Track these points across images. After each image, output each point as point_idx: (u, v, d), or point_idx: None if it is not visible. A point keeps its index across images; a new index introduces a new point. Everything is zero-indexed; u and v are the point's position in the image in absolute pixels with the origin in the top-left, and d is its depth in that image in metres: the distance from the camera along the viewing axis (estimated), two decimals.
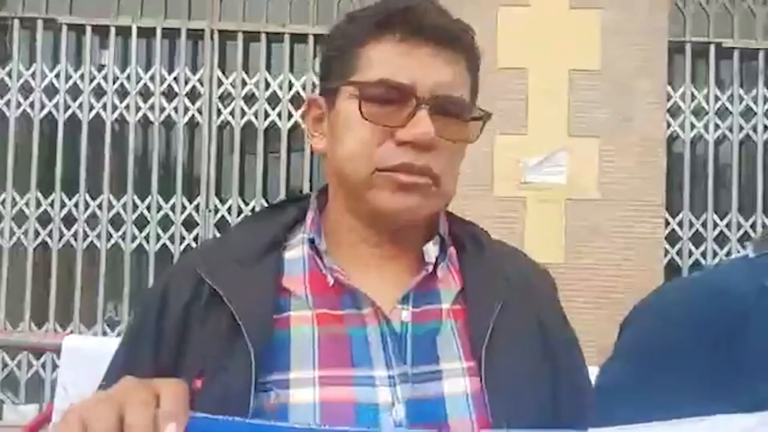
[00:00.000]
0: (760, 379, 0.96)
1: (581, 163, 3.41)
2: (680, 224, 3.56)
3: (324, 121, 0.90)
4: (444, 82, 0.84)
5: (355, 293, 0.84)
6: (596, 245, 3.39)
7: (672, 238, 3.53)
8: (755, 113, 3.62)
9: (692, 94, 3.60)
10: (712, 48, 3.61)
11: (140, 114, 3.65)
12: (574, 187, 3.40)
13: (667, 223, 3.53)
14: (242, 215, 3.61)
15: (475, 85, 0.91)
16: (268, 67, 3.70)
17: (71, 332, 3.57)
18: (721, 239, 3.61)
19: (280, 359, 0.80)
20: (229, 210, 3.64)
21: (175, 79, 3.65)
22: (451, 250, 0.91)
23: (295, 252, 0.88)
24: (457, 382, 0.82)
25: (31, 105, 3.65)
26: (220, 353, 0.79)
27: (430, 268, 0.87)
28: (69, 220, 3.64)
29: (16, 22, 3.67)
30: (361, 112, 0.83)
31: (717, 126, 3.61)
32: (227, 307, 0.80)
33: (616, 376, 1.07)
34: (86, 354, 1.99)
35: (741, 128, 3.61)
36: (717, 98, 3.61)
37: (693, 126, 3.60)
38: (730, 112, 3.62)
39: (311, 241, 0.87)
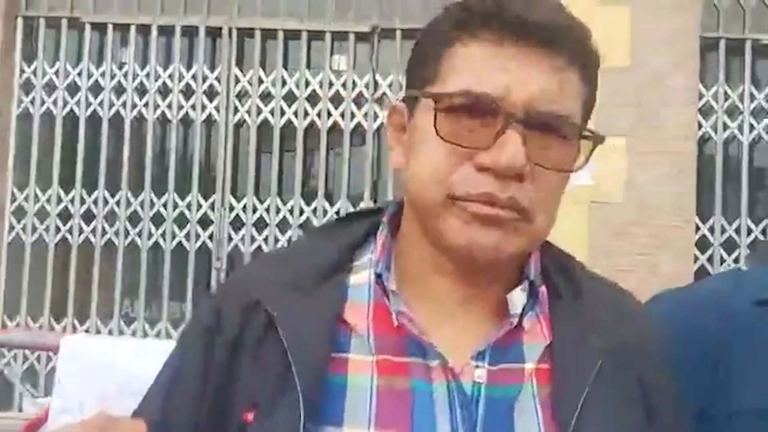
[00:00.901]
0: (737, 392, 0.88)
1: (607, 164, 2.74)
2: (711, 230, 2.88)
3: (404, 134, 0.66)
4: (546, 94, 0.59)
5: (422, 342, 0.62)
6: (622, 250, 2.72)
7: (703, 245, 2.85)
8: None
9: (726, 93, 2.91)
10: (748, 44, 2.92)
11: (158, 112, 3.16)
12: (599, 189, 2.74)
13: (698, 229, 2.85)
14: (257, 213, 3.06)
15: (590, 99, 0.64)
16: (285, 65, 3.14)
17: (87, 328, 3.08)
18: (755, 246, 2.89)
19: (334, 410, 0.60)
20: (244, 208, 3.10)
21: (193, 76, 3.14)
22: (542, 292, 0.66)
23: (362, 276, 0.66)
24: None
25: (54, 102, 3.18)
26: (273, 391, 0.60)
27: (515, 321, 0.63)
28: (88, 217, 3.16)
29: (42, 21, 3.18)
30: (435, 129, 0.60)
31: (752, 126, 2.91)
32: (281, 339, 0.61)
33: None
34: (84, 354, 1.75)
35: None
36: (753, 97, 2.91)
37: (726, 126, 2.91)
38: (767, 112, 2.90)
39: (378, 276, 0.64)
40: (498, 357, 0.62)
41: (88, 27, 3.18)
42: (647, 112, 2.77)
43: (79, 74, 3.16)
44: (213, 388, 0.63)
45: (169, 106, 3.14)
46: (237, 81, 3.10)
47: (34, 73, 3.18)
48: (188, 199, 3.12)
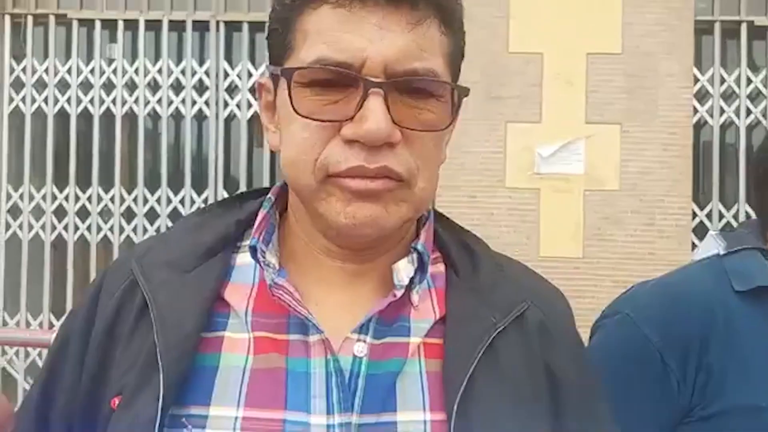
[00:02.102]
0: (724, 387, 0.86)
1: (600, 151, 2.62)
2: (709, 216, 2.75)
3: (275, 113, 0.61)
4: (405, 53, 0.55)
5: (300, 316, 0.57)
6: (617, 239, 2.61)
7: (700, 231, 2.72)
8: None
9: (722, 77, 2.76)
10: (744, 27, 2.76)
11: (149, 107, 3.03)
12: (593, 177, 2.62)
13: (695, 215, 2.72)
14: None
15: (455, 48, 0.60)
16: None
17: None
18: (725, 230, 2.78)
19: (201, 390, 0.56)
20: None
21: (182, 71, 3.01)
22: (438, 269, 0.63)
23: (248, 256, 0.60)
24: None
25: (45, 100, 3.06)
26: (141, 374, 0.56)
27: (399, 292, 0.59)
28: (83, 214, 3.06)
29: (30, 18, 3.06)
30: (292, 106, 0.55)
31: (749, 110, 2.77)
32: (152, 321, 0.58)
33: None
34: None
35: None
36: (749, 81, 2.76)
37: (722, 111, 2.76)
38: (764, 96, 2.76)
39: (253, 249, 0.59)
40: (382, 331, 0.58)
41: (75, 23, 3.05)
42: (640, 99, 2.64)
43: (69, 71, 3.04)
44: (87, 375, 0.60)
45: (159, 102, 3.02)
46: (226, 75, 2.99)
47: (24, 70, 3.07)
48: (182, 194, 3.02)
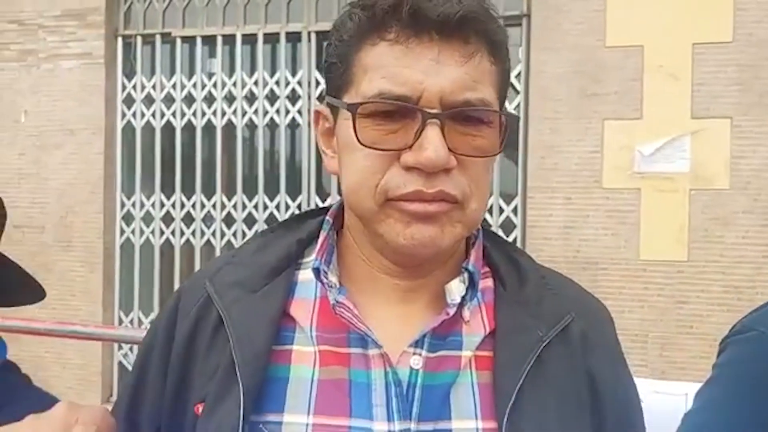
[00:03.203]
0: None
1: (708, 148, 2.44)
2: None
3: (333, 138, 0.64)
4: (459, 84, 0.58)
5: (360, 332, 0.61)
6: (727, 241, 2.42)
7: None
8: None
9: None
10: None
11: (246, 118, 3.16)
12: (700, 175, 2.45)
13: None
14: None
15: (502, 77, 0.62)
16: None
17: None
18: None
19: (276, 399, 0.61)
20: None
21: (276, 82, 3.10)
22: (486, 284, 0.66)
23: (309, 272, 0.64)
24: None
25: (153, 114, 3.27)
26: (220, 385, 0.61)
27: (452, 311, 0.62)
28: (188, 220, 3.24)
29: (139, 38, 3.28)
30: (356, 138, 0.58)
31: None
32: (228, 336, 0.62)
33: (717, 396, 0.90)
34: None
35: None
36: None
37: None
38: None
39: (316, 271, 0.63)
40: (437, 345, 0.61)
41: (178, 41, 3.23)
42: (754, 90, 2.43)
43: (174, 86, 3.23)
44: (171, 384, 0.65)
45: (256, 112, 3.14)
46: (317, 84, 3.05)
47: (134, 88, 3.29)
48: (277, 199, 3.13)
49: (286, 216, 3.10)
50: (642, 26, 2.54)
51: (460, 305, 0.63)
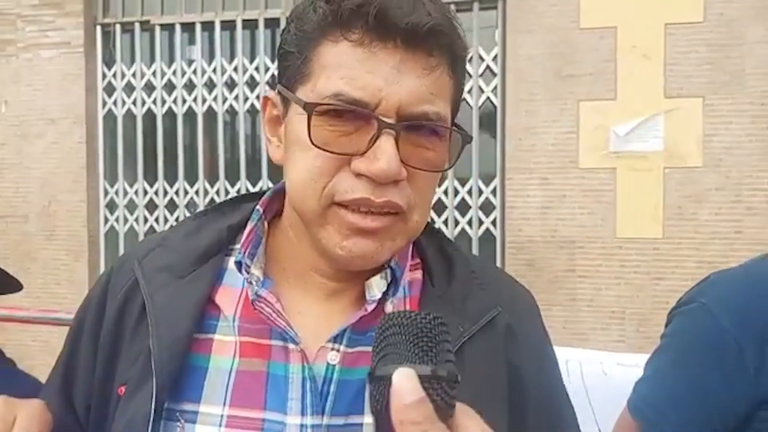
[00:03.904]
0: None
1: (681, 127, 2.48)
2: None
3: (281, 126, 0.62)
4: (418, 96, 0.57)
5: (278, 326, 0.60)
6: (700, 218, 2.47)
7: None
8: None
9: None
10: None
11: (227, 104, 3.16)
12: (674, 154, 2.49)
13: None
14: None
15: (457, 92, 0.62)
16: None
17: None
18: None
19: (193, 388, 0.61)
20: None
21: (256, 68, 3.10)
22: (415, 276, 0.66)
23: (237, 267, 0.63)
24: None
25: (134, 102, 3.26)
26: (141, 371, 0.61)
27: (371, 307, 0.61)
28: (171, 206, 3.24)
29: (118, 26, 3.26)
30: (310, 137, 0.56)
31: None
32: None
33: (664, 365, 0.95)
34: None
35: None
36: None
37: None
38: None
39: (238, 265, 0.62)
40: (355, 340, 0.61)
41: (158, 28, 3.22)
42: (725, 69, 2.47)
43: (154, 74, 3.22)
44: (100, 362, 0.65)
45: (236, 98, 3.14)
46: None
47: (114, 76, 3.27)
48: (259, 184, 3.14)
49: None
50: (615, 8, 2.56)
51: (383, 300, 0.62)
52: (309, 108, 0.57)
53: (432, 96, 0.57)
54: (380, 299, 0.62)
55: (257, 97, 3.11)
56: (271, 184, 3.12)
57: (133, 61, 3.26)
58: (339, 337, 0.61)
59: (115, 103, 3.28)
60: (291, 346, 0.60)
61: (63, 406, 0.68)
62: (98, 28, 3.27)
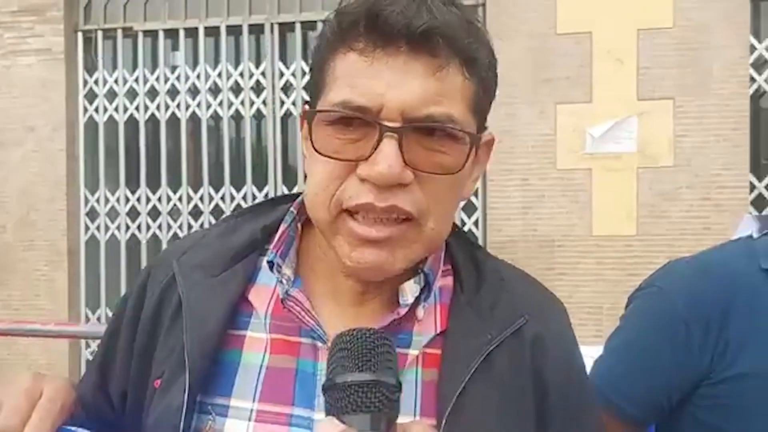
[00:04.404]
0: (742, 354, 0.98)
1: (653, 128, 2.77)
2: None
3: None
4: (423, 98, 0.59)
5: (306, 324, 0.66)
6: (672, 215, 2.75)
7: (759, 204, 2.82)
8: None
9: None
10: None
11: (211, 110, 3.39)
12: (646, 154, 2.78)
13: (753, 188, 2.82)
14: None
15: (479, 93, 0.63)
16: None
17: None
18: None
19: (225, 382, 0.66)
20: None
21: (240, 74, 3.34)
22: (445, 282, 0.70)
23: (269, 266, 0.70)
24: None
25: (116, 109, 3.47)
26: (175, 365, 0.67)
27: (403, 311, 0.66)
28: (154, 214, 3.45)
29: (99, 33, 3.49)
30: (312, 145, 0.62)
31: None
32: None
33: (620, 343, 1.06)
34: None
35: None
36: None
37: None
38: None
39: (270, 264, 0.67)
40: None
41: (140, 35, 3.45)
42: (694, 72, 2.77)
43: (136, 80, 3.44)
44: (137, 356, 0.71)
45: (220, 104, 3.37)
46: (281, 75, 3.30)
47: (96, 82, 3.49)
48: (244, 190, 3.36)
49: None
50: (590, 14, 2.85)
51: (415, 304, 0.66)
52: (308, 116, 0.62)
53: (439, 98, 0.59)
54: (412, 304, 0.66)
55: (241, 103, 3.35)
56: (255, 190, 3.35)
57: (115, 67, 3.48)
58: None
59: (96, 110, 3.49)
60: (319, 344, 0.65)
61: (99, 390, 0.75)
62: (79, 34, 3.49)
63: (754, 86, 2.83)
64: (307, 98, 0.67)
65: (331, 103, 0.61)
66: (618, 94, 2.80)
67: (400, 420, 0.57)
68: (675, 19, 2.77)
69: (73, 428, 0.64)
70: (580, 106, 2.84)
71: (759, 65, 2.85)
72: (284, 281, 0.67)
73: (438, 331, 0.66)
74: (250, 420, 0.64)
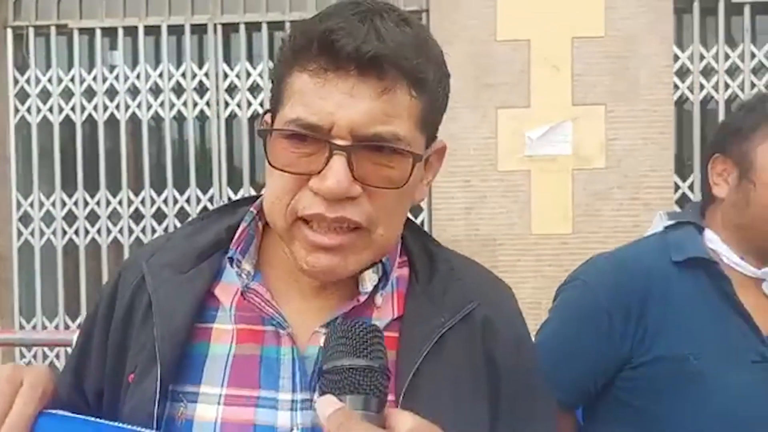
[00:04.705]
0: (657, 339, 1.11)
1: (587, 132, 3.05)
2: (691, 187, 3.18)
3: None
4: (370, 117, 0.67)
5: (269, 314, 0.74)
6: (604, 214, 3.05)
7: (683, 202, 3.15)
8: None
9: (701, 54, 3.18)
10: (722, 3, 3.17)
11: (152, 111, 3.45)
12: (580, 156, 3.06)
13: (678, 187, 3.15)
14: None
15: (429, 107, 0.71)
16: (271, 56, 3.43)
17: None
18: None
19: (195, 372, 0.74)
20: None
21: (182, 74, 3.43)
22: (402, 272, 0.79)
23: (230, 262, 0.78)
24: None
25: (50, 109, 3.49)
26: (148, 358, 0.74)
27: (363, 298, 0.75)
28: (92, 218, 3.48)
29: (31, 30, 3.49)
30: (267, 159, 0.70)
31: (727, 85, 3.19)
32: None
33: (549, 333, 1.18)
34: None
35: (753, 86, 3.18)
36: (727, 56, 3.18)
37: (702, 87, 3.19)
38: (741, 70, 3.19)
39: (230, 259, 0.76)
40: None
41: (76, 33, 3.47)
42: (624, 79, 3.06)
43: (72, 80, 3.45)
44: (111, 354, 0.78)
45: (162, 105, 3.43)
46: (225, 76, 3.41)
47: (28, 81, 3.49)
48: (187, 193, 3.44)
49: (197, 210, 3.44)
50: (528, 22, 3.11)
51: (373, 292, 0.75)
52: (262, 134, 0.70)
53: (387, 117, 0.66)
54: (371, 292, 0.74)
55: (184, 104, 3.44)
56: (199, 193, 3.45)
57: (48, 66, 3.49)
58: (331, 323, 0.73)
59: (29, 110, 3.49)
60: (281, 331, 0.73)
61: (74, 390, 0.82)
62: (8, 30, 3.48)
63: (678, 93, 3.16)
64: (265, 107, 0.78)
65: (286, 119, 0.68)
66: (554, 100, 3.07)
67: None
68: (606, 29, 3.06)
69: (55, 411, 0.68)
70: (519, 111, 3.09)
71: (682, 73, 3.18)
72: (244, 275, 0.75)
73: (395, 316, 0.75)
74: (219, 404, 0.72)
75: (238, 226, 0.79)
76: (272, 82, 0.75)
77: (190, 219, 0.90)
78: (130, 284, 0.79)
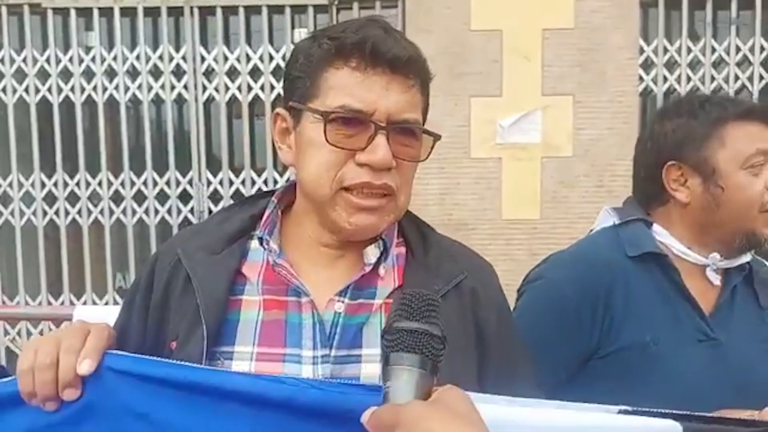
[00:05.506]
0: (622, 330, 1.16)
1: (555, 121, 3.15)
2: None
3: (290, 135, 0.91)
4: (401, 107, 0.85)
5: (294, 284, 0.88)
6: (571, 201, 3.17)
7: None
8: (728, 64, 3.29)
9: (665, 47, 3.27)
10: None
11: (129, 93, 3.43)
12: (549, 145, 3.16)
13: None
14: (233, 186, 3.44)
15: (426, 105, 0.92)
16: (248, 40, 3.42)
17: (84, 302, 3.48)
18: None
19: (229, 335, 0.87)
20: (221, 182, 3.45)
21: (159, 57, 3.40)
22: (400, 250, 0.94)
23: (258, 242, 0.93)
24: (374, 367, 0.84)
25: (26, 90, 3.43)
26: (189, 326, 0.87)
27: (368, 268, 0.90)
28: (73, 199, 3.48)
29: (4, 8, 3.40)
30: (326, 137, 0.84)
31: (689, 78, 3.30)
32: (194, 289, 0.88)
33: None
34: (97, 320, 2.01)
35: (713, 79, 3.29)
36: (689, 50, 3.28)
37: (666, 79, 3.29)
38: (702, 64, 3.29)
39: (260, 240, 0.91)
40: (356, 294, 0.89)
41: (50, 12, 3.41)
42: (591, 71, 3.15)
43: (48, 61, 3.41)
44: (151, 325, 0.92)
45: (140, 88, 3.41)
46: (203, 59, 3.39)
47: (2, 61, 3.42)
48: (167, 175, 3.45)
49: (177, 192, 3.46)
50: (501, 13, 3.15)
51: (377, 266, 0.89)
52: (326, 115, 0.84)
53: (411, 107, 0.86)
54: (374, 265, 0.89)
55: (161, 87, 3.42)
56: (178, 175, 3.46)
57: (23, 46, 3.43)
58: (344, 291, 0.89)
59: (4, 90, 3.44)
60: (303, 299, 0.87)
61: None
62: None
63: (643, 85, 3.26)
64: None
65: (330, 106, 0.85)
66: (524, 89, 3.15)
67: (369, 351, 0.83)
68: (576, 22, 3.12)
69: (116, 351, 0.83)
70: (491, 100, 3.16)
71: (647, 66, 3.28)
72: (273, 253, 0.90)
73: (396, 286, 0.90)
74: (251, 360, 0.86)
75: (260, 215, 0.94)
76: (292, 79, 0.89)
77: (217, 209, 1.05)
78: (167, 265, 0.93)
